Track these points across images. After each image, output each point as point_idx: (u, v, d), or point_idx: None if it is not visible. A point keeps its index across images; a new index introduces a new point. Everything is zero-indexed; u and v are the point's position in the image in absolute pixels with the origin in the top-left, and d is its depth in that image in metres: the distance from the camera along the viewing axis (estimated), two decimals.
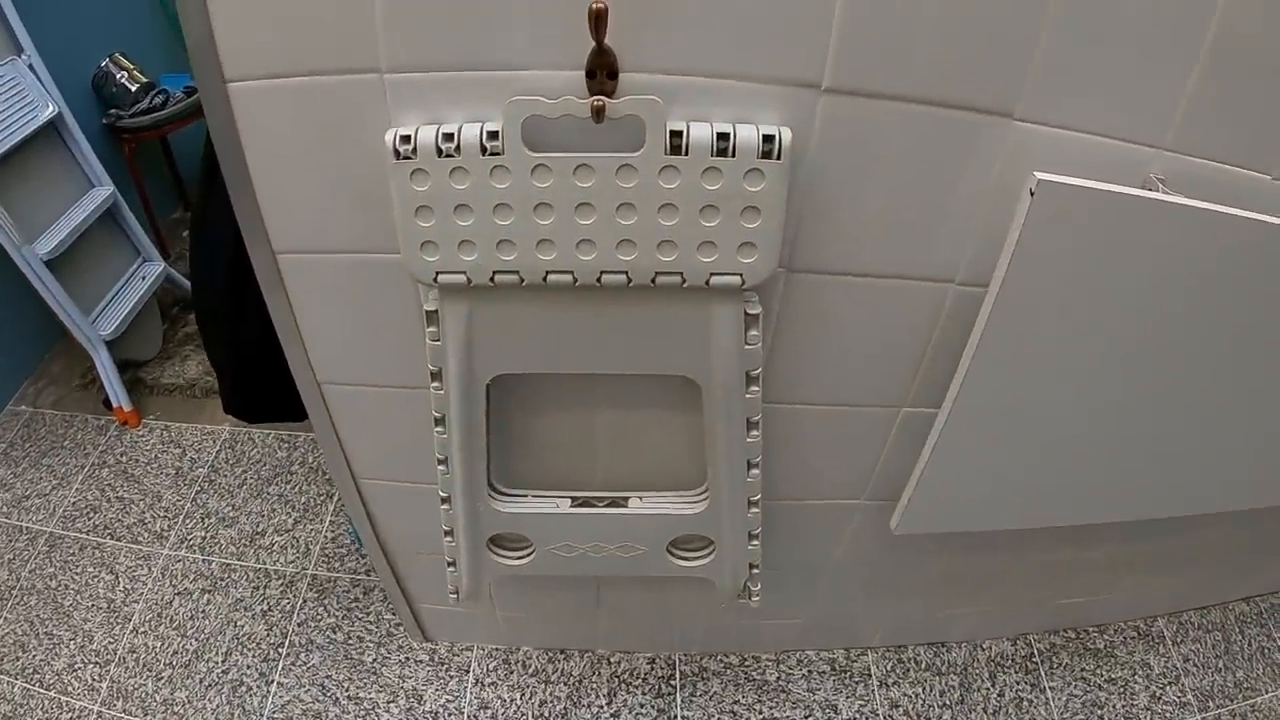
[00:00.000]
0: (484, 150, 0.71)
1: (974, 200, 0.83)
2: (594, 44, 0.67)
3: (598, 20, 0.64)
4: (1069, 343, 0.89)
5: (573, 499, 1.06)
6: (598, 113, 0.68)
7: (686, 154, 0.71)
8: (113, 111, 2.42)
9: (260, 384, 1.17)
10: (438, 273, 0.78)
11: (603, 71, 0.69)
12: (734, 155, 0.71)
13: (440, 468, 0.98)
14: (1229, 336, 0.93)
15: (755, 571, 1.13)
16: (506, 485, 1.06)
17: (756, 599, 1.18)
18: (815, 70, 0.72)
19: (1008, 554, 1.39)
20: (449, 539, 1.08)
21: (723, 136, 0.70)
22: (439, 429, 0.94)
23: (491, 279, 0.78)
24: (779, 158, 0.71)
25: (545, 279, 0.78)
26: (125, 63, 2.46)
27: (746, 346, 0.85)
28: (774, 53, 0.71)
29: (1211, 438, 1.06)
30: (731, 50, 0.71)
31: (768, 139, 0.71)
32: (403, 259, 0.79)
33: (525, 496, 1.06)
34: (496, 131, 0.71)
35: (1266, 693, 1.68)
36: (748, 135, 0.71)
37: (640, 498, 1.06)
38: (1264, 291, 0.89)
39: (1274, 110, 0.81)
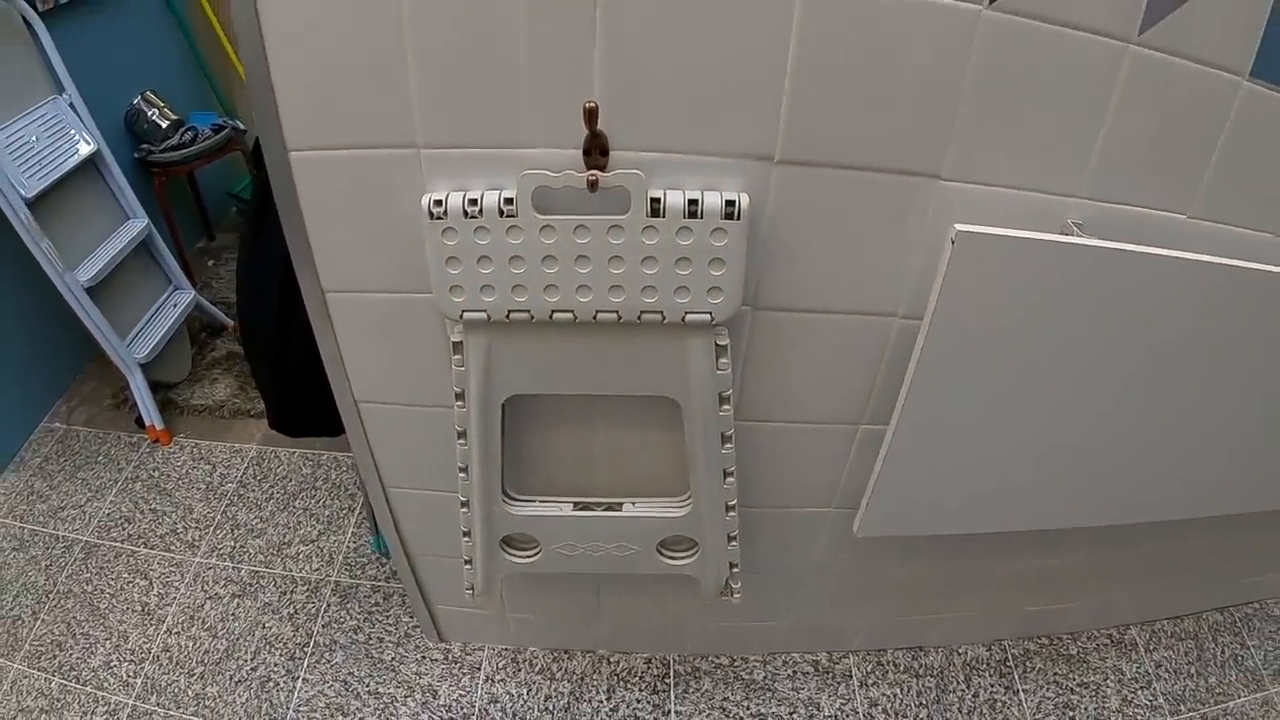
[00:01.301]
0: (501, 213, 0.92)
1: (909, 247, 1.03)
2: (588, 131, 0.87)
3: (590, 115, 0.85)
4: (997, 367, 1.07)
5: (574, 503, 1.26)
6: (592, 185, 0.89)
7: (664, 217, 0.91)
8: (144, 146, 2.65)
9: (302, 404, 1.38)
10: (463, 311, 0.99)
11: (596, 150, 0.89)
12: (702, 217, 0.91)
13: (461, 475, 1.18)
14: (1150, 360, 1.10)
15: (735, 570, 1.33)
16: (517, 491, 1.26)
17: (738, 596, 1.37)
18: (768, 146, 0.92)
19: (976, 560, 1.57)
20: (467, 539, 1.28)
21: (693, 202, 0.91)
22: (461, 442, 1.14)
23: (507, 316, 0.99)
24: (738, 219, 0.92)
25: (551, 317, 0.99)
26: (156, 100, 2.69)
27: (718, 371, 1.05)
28: (734, 133, 0.92)
29: (1137, 450, 1.24)
30: (699, 132, 0.91)
31: (729, 203, 0.91)
32: (434, 299, 0.99)
33: (534, 501, 1.26)
34: (512, 198, 0.91)
35: (1239, 697, 1.82)
36: (713, 201, 0.91)
37: (633, 502, 1.26)
38: (1181, 319, 1.06)
39: (1183, 156, 1.00)
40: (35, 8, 2.11)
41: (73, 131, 2.18)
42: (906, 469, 1.17)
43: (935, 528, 1.31)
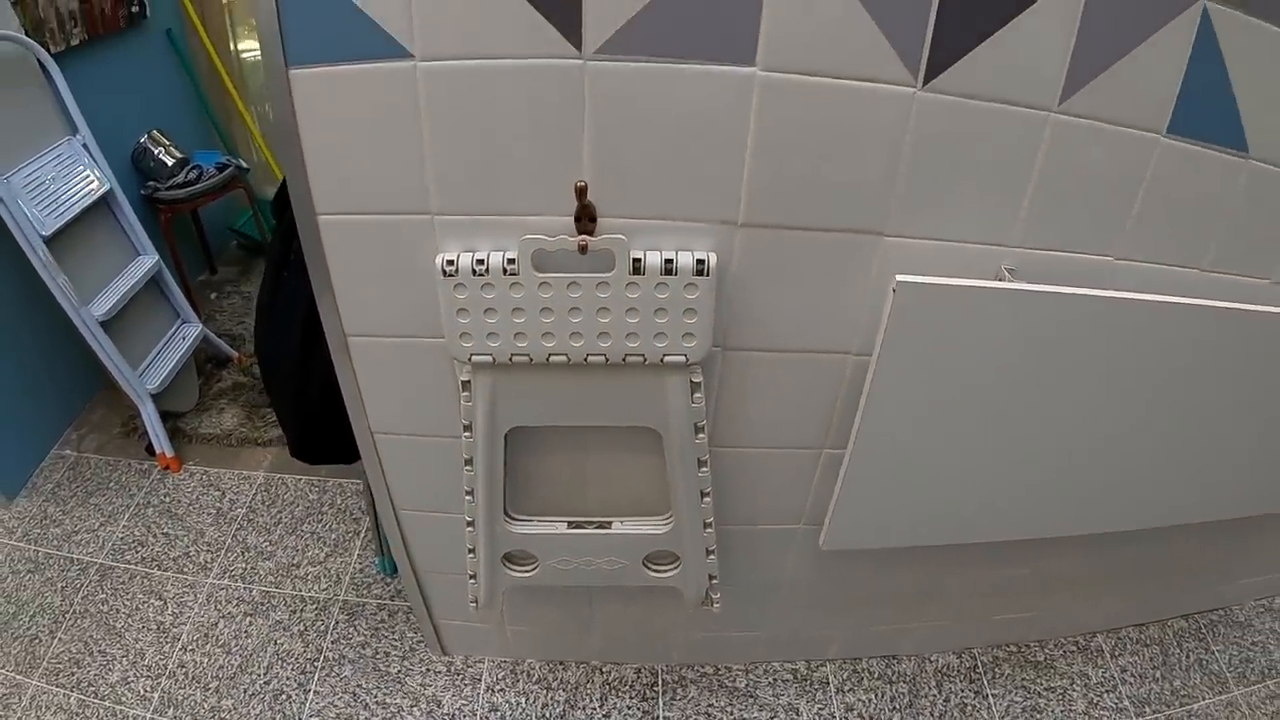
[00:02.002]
0: (505, 271, 1.09)
1: (858, 294, 1.20)
2: (579, 202, 1.05)
3: (581, 191, 1.03)
4: (941, 397, 1.24)
5: (569, 522, 1.43)
6: (583, 248, 1.07)
7: (644, 274, 1.09)
8: (150, 184, 2.81)
9: (322, 434, 1.55)
10: (471, 355, 1.16)
11: (586, 218, 1.07)
12: (676, 274, 1.09)
13: (468, 498, 1.35)
14: (1083, 388, 1.26)
15: (714, 581, 1.50)
16: (518, 512, 1.43)
17: (717, 605, 1.55)
18: (732, 212, 1.10)
19: (939, 571, 1.73)
20: (472, 555, 1.45)
21: (669, 261, 1.09)
22: (468, 468, 1.31)
23: (510, 359, 1.17)
24: (708, 274, 1.09)
25: (548, 359, 1.17)
26: (162, 139, 2.86)
27: (693, 405, 1.23)
28: (702, 202, 1.10)
29: (1078, 469, 1.40)
30: (673, 201, 1.09)
31: (700, 262, 1.09)
32: (446, 344, 1.17)
33: (532, 521, 1.43)
34: (514, 258, 1.09)
35: (1204, 699, 1.96)
36: (686, 260, 1.09)
37: (621, 521, 1.43)
38: (1111, 350, 1.21)
39: (1107, 205, 1.16)
40: (47, 49, 2.27)
41: (86, 171, 2.33)
42: (864, 488, 1.34)
43: (894, 541, 1.48)
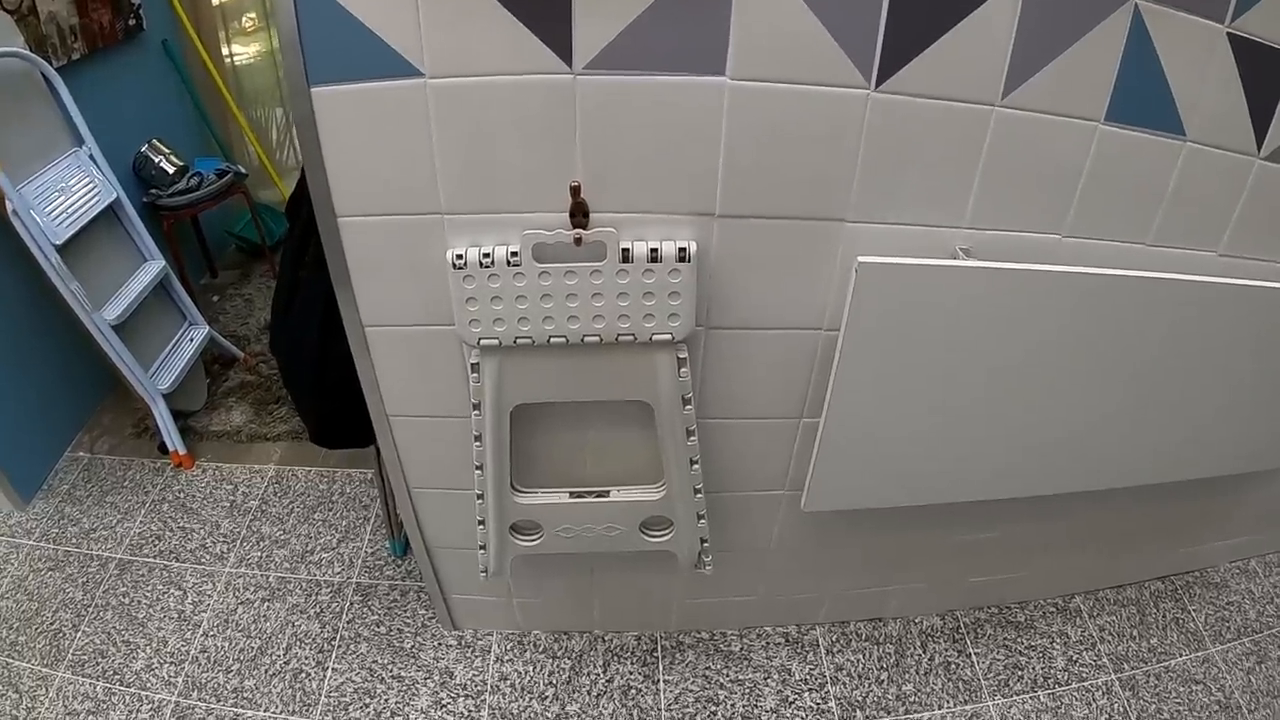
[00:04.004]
0: (509, 263, 1.26)
1: (827, 275, 1.36)
2: (573, 200, 1.22)
3: (575, 190, 1.20)
4: (905, 367, 1.39)
5: (570, 492, 1.60)
6: (578, 240, 1.24)
7: (633, 262, 1.26)
8: (153, 191, 2.94)
9: (338, 421, 1.71)
10: (480, 339, 1.33)
11: (580, 214, 1.23)
12: (661, 261, 1.26)
13: (478, 472, 1.52)
14: (1039, 355, 1.40)
15: (706, 545, 1.67)
16: (523, 484, 1.60)
17: (709, 568, 1.72)
18: (710, 205, 1.27)
19: (919, 533, 1.89)
20: (481, 527, 1.61)
21: (654, 250, 1.25)
22: (477, 444, 1.48)
23: (514, 342, 1.34)
24: (690, 261, 1.26)
25: (549, 341, 1.34)
26: (162, 147, 3.00)
27: (680, 379, 1.41)
28: (683, 197, 1.26)
29: (1040, 431, 1.55)
30: (657, 197, 1.26)
31: (682, 250, 1.26)
32: (456, 330, 1.34)
33: (536, 492, 1.60)
34: (516, 251, 1.25)
35: (1180, 656, 2.11)
36: (669, 248, 1.26)
37: (618, 489, 1.60)
38: (1062, 320, 1.35)
39: (1052, 187, 1.30)
40: (50, 64, 2.39)
41: (93, 180, 2.46)
42: (839, 453, 1.51)
43: (870, 502, 1.65)
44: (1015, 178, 1.30)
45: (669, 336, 1.34)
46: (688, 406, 1.44)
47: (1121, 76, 1.22)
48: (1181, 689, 2.05)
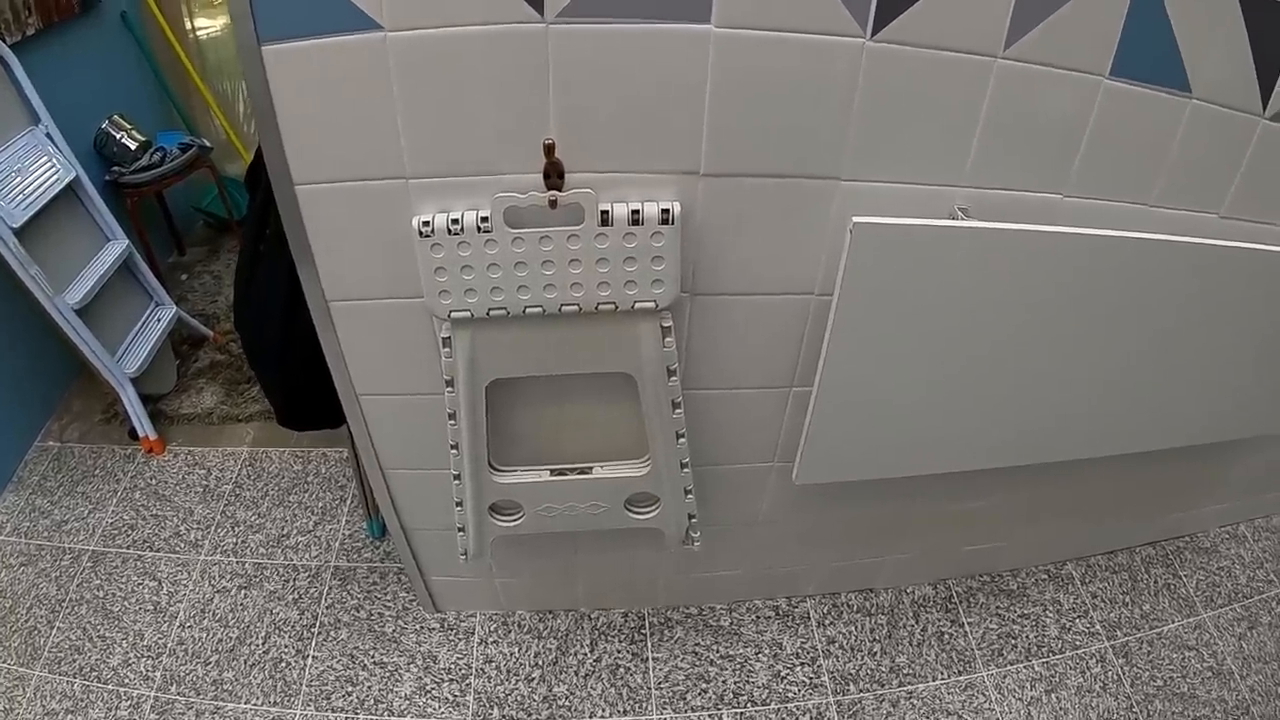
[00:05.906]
0: (479, 229, 1.16)
1: (819, 237, 1.28)
2: (547, 160, 1.12)
3: (549, 149, 1.10)
4: (900, 332, 1.31)
5: (551, 470, 1.51)
6: (553, 203, 1.14)
7: (612, 225, 1.17)
8: (115, 169, 2.83)
9: (306, 401, 1.62)
10: (450, 311, 1.24)
11: (554, 175, 1.14)
12: (643, 224, 1.17)
13: (453, 451, 1.43)
14: (1036, 319, 1.34)
15: (694, 520, 1.59)
16: (501, 463, 1.51)
17: (698, 544, 1.64)
18: (694, 162, 1.18)
19: (909, 503, 1.83)
20: (459, 508, 1.53)
21: (635, 212, 1.16)
22: (452, 422, 1.38)
23: (488, 313, 1.24)
24: (673, 223, 1.17)
25: (524, 312, 1.24)
26: (124, 123, 2.88)
27: (664, 349, 1.31)
28: (665, 154, 1.17)
29: (1034, 398, 1.48)
30: (637, 155, 1.16)
31: (665, 212, 1.16)
32: (425, 302, 1.24)
33: (516, 470, 1.51)
34: (487, 216, 1.16)
35: (1172, 622, 2.09)
36: (651, 210, 1.16)
37: (601, 466, 1.52)
38: (1061, 282, 1.29)
39: (1054, 145, 1.24)
40: (4, 40, 2.29)
41: (52, 160, 2.35)
42: (832, 423, 1.43)
43: (863, 473, 1.58)
44: (1016, 134, 1.22)
45: (652, 304, 1.25)
46: (673, 378, 1.35)
47: (1128, 29, 1.14)
48: (1174, 655, 2.02)
